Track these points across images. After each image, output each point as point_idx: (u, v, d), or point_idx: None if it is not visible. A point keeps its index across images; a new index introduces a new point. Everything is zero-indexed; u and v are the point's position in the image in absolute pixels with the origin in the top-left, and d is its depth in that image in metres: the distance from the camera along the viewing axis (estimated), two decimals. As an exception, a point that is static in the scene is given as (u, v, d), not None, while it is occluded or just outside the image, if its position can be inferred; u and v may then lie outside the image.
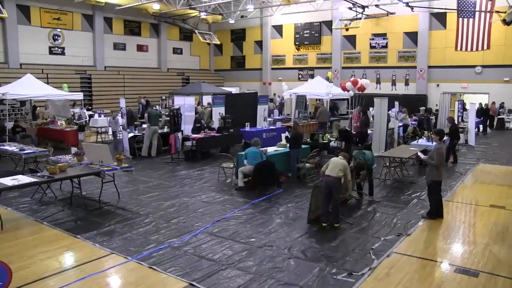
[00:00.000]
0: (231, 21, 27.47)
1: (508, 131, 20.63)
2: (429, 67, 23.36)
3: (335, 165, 6.85)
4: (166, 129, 13.81)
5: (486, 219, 7.46)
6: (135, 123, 17.36)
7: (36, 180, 7.29)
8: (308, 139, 12.33)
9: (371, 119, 15.24)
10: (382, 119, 13.08)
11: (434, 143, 7.06)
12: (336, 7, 23.36)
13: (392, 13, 23.21)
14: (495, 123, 20.86)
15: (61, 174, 7.62)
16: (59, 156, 9.35)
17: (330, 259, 5.61)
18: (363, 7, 21.82)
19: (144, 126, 15.00)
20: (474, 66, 21.87)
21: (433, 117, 17.21)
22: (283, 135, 12.62)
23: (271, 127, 15.93)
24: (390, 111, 16.37)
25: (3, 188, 6.78)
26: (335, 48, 26.28)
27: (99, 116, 18.55)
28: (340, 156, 7.15)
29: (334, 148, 11.91)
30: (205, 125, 14.10)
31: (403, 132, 15.25)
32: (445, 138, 10.93)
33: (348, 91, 17.91)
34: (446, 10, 21.19)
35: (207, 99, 21.43)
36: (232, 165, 9.90)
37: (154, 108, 18.75)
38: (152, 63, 28.16)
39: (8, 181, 7.06)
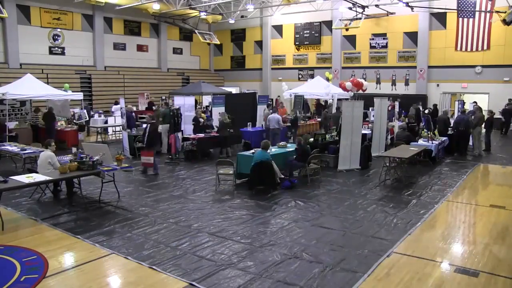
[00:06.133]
0: (231, 21, 27.47)
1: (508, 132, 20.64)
2: (429, 67, 23.35)
3: None
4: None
5: (486, 219, 7.45)
6: (136, 123, 17.41)
7: (50, 178, 7.44)
8: (311, 139, 12.33)
9: (371, 118, 15.26)
10: (382, 119, 13.07)
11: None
12: (336, 7, 23.35)
13: (392, 13, 23.20)
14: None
15: (63, 174, 7.63)
16: (57, 157, 9.33)
17: (330, 259, 5.61)
18: (363, 7, 21.82)
19: (145, 126, 15.02)
20: (474, 66, 21.86)
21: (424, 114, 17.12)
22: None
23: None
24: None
25: (10, 187, 6.82)
26: (335, 48, 26.27)
27: (99, 116, 18.59)
28: None
29: (334, 148, 11.89)
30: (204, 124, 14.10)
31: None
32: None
33: (348, 91, 17.94)
34: (446, 10, 21.19)
35: (207, 99, 21.47)
36: (231, 171, 9.54)
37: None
38: (152, 63, 28.15)
39: (24, 178, 7.25)
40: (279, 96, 24.16)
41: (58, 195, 8.62)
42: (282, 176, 9.49)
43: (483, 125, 14.27)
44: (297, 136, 13.35)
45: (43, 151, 10.18)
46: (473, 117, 14.03)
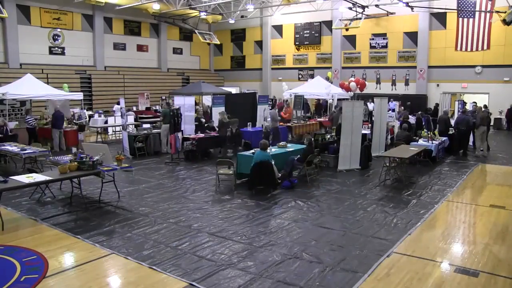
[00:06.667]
0: (231, 21, 27.48)
1: (507, 131, 20.65)
2: (429, 67, 23.36)
3: None
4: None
5: (486, 219, 7.45)
6: (135, 123, 17.44)
7: (50, 178, 7.44)
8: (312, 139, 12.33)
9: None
10: (382, 119, 13.07)
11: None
12: (336, 7, 23.36)
13: (392, 13, 23.22)
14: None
15: (63, 174, 7.62)
16: (57, 157, 9.33)
17: (330, 259, 5.61)
18: (363, 7, 21.83)
19: (145, 126, 15.05)
20: (474, 66, 21.87)
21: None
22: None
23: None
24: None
25: (10, 187, 6.82)
26: (335, 48, 26.29)
27: (99, 116, 18.59)
28: None
29: (334, 148, 11.88)
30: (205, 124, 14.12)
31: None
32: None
33: (350, 90, 17.96)
34: (446, 10, 21.19)
35: (207, 99, 21.46)
36: (231, 171, 9.51)
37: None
38: (152, 63, 28.17)
39: (24, 178, 7.26)
40: (280, 98, 24.13)
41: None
42: (279, 175, 9.47)
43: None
44: (305, 134, 13.36)
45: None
46: (474, 117, 14.03)
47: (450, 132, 13.75)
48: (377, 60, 25.04)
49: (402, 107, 19.38)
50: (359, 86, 18.17)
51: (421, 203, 8.27)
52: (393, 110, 18.34)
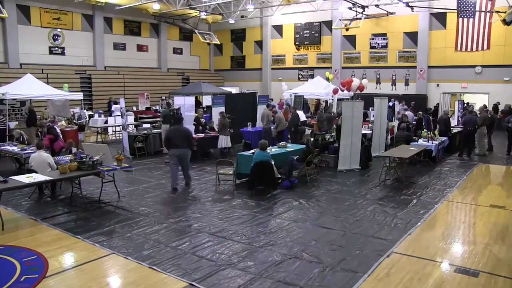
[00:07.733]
0: (231, 21, 27.48)
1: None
2: (429, 67, 23.35)
3: None
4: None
5: (486, 219, 7.45)
6: (135, 123, 17.43)
7: (50, 178, 7.45)
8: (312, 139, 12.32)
9: (371, 118, 15.30)
10: (382, 119, 13.07)
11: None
12: (336, 7, 23.36)
13: (392, 13, 23.21)
14: None
15: (63, 174, 7.62)
16: (57, 157, 9.33)
17: (330, 259, 5.61)
18: (363, 7, 21.82)
19: (145, 126, 15.06)
20: (474, 66, 21.86)
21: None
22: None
23: (272, 127, 15.90)
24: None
25: (10, 187, 6.82)
26: (335, 48, 26.28)
27: (99, 116, 18.59)
28: None
29: (334, 148, 11.88)
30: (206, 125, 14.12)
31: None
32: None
33: (349, 90, 17.93)
34: (446, 10, 21.19)
35: (207, 99, 21.49)
36: (231, 171, 9.52)
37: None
38: (152, 63, 28.16)
39: (24, 178, 7.26)
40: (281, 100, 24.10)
41: (55, 196, 8.62)
42: (279, 176, 9.46)
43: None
44: (305, 135, 13.33)
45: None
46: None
47: (455, 131, 13.77)
48: (377, 60, 25.03)
49: (403, 105, 19.14)
50: (346, 86, 18.09)
51: (421, 203, 8.27)
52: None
